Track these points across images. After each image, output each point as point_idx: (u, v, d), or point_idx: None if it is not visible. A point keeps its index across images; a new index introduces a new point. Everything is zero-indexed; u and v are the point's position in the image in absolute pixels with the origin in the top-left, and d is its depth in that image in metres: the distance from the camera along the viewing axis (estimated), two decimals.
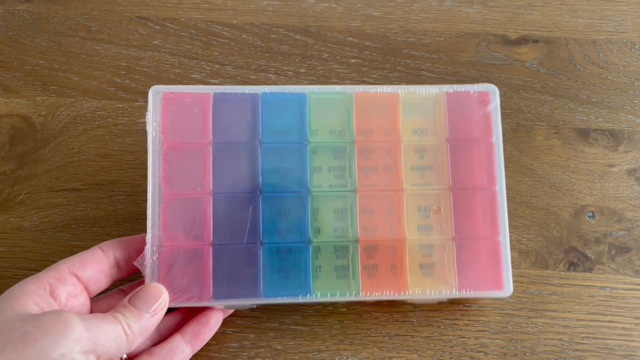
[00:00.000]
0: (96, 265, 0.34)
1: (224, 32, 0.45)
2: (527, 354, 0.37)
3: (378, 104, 0.40)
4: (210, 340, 0.37)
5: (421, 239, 0.39)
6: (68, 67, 0.44)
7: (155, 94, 0.38)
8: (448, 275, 0.38)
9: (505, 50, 0.44)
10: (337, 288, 0.38)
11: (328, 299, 0.38)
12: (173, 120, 0.38)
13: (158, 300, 0.35)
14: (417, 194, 0.39)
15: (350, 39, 0.45)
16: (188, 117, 0.38)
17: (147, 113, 0.38)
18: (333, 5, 0.44)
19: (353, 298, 0.38)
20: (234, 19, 0.45)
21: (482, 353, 0.37)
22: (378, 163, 0.39)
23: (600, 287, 0.38)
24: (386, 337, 0.37)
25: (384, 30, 0.44)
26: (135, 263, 0.37)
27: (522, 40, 0.43)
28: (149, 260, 0.36)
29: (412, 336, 0.37)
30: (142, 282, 0.36)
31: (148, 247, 0.37)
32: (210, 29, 0.44)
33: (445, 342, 0.37)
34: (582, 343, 0.37)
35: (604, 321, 0.37)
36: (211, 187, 0.38)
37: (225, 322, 0.37)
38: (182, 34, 0.45)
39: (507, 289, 0.38)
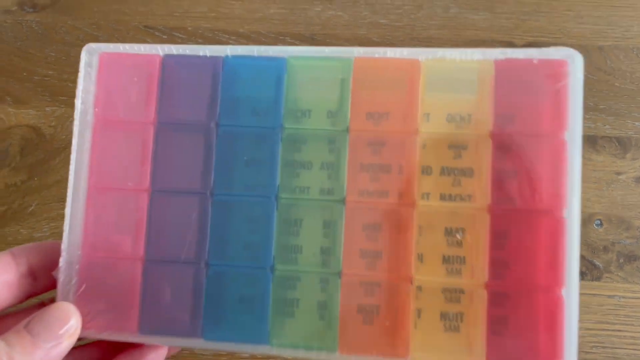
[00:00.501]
0: None
1: (231, 41, 0.43)
2: None
3: (388, 75, 0.27)
4: (220, 350, 0.33)
5: (443, 280, 0.25)
6: (77, 78, 0.41)
7: (90, 54, 0.28)
8: (473, 339, 0.25)
9: None
10: (309, 338, 0.26)
11: (288, 353, 0.26)
12: (109, 90, 0.28)
13: (64, 325, 0.26)
14: (443, 215, 0.26)
15: None
16: (128, 87, 0.28)
17: (78, 80, 0.28)
18: (339, 13, 0.43)
19: (324, 357, 0.26)
20: (241, 27, 0.44)
21: None
22: (388, 159, 0.27)
23: (609, 296, 0.37)
24: None
25: (390, 37, 0.43)
26: (53, 274, 0.28)
27: (528, 47, 0.40)
28: (62, 272, 0.27)
29: None
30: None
31: (64, 255, 0.28)
32: (217, 37, 0.43)
33: None
34: (591, 352, 0.36)
35: (612, 330, 0.37)
36: (149, 181, 0.28)
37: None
38: (190, 43, 0.43)
39: None
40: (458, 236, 0.25)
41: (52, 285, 0.28)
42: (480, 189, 0.25)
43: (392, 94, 0.26)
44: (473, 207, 0.25)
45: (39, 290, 0.28)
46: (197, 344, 0.26)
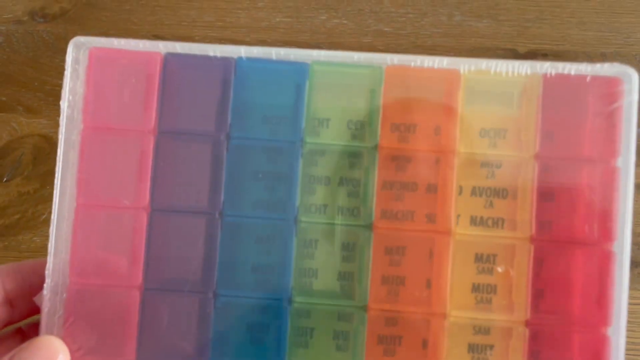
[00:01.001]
0: None
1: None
2: None
3: (424, 85, 0.24)
4: None
5: (473, 316, 0.23)
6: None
7: (78, 49, 0.24)
8: None
9: None
10: None
11: None
12: (100, 92, 0.24)
13: None
14: (474, 241, 0.23)
15: None
16: (123, 89, 0.24)
17: (64, 79, 0.24)
18: (344, 22, 0.43)
19: None
20: (247, 36, 0.43)
21: None
22: (417, 178, 0.24)
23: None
24: None
25: (394, 45, 0.43)
26: (35, 300, 0.24)
27: (531, 54, 0.43)
28: (47, 301, 0.24)
29: None
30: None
31: (47, 282, 0.24)
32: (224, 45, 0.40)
33: None
34: None
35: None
36: (148, 199, 0.24)
37: None
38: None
39: None
40: (499, 269, 0.22)
41: (32, 311, 0.25)
42: (522, 216, 0.22)
43: (426, 107, 0.23)
44: (513, 236, 0.22)
45: (17, 318, 0.25)
46: None
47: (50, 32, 0.43)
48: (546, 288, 0.22)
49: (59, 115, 0.35)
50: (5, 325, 0.25)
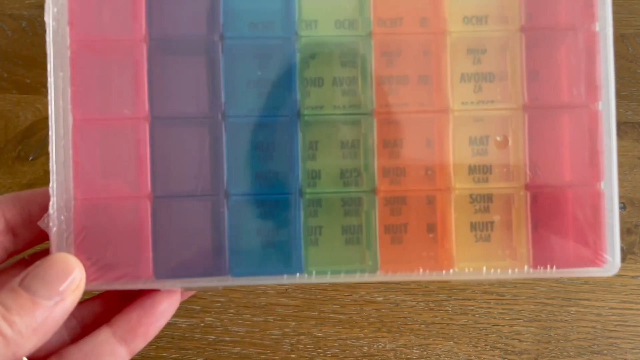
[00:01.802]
0: None
1: None
2: (561, 341, 0.37)
3: None
4: (253, 327, 0.36)
5: (475, 187, 0.24)
6: None
7: None
8: (517, 243, 0.24)
9: None
10: (344, 262, 0.24)
11: (328, 279, 0.24)
12: (85, 3, 0.23)
13: (66, 279, 0.22)
14: (471, 116, 0.24)
15: None
16: None
17: None
18: None
19: (367, 279, 0.24)
20: None
21: (517, 340, 0.37)
22: (408, 70, 0.24)
23: (632, 277, 0.38)
24: (422, 325, 0.37)
25: None
26: (39, 224, 0.23)
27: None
28: (54, 220, 0.23)
29: (447, 324, 0.37)
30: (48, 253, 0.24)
31: (53, 200, 0.23)
32: None
33: (480, 330, 0.37)
34: (615, 330, 0.37)
35: (636, 309, 0.37)
36: (147, 108, 0.24)
37: (266, 310, 0.37)
38: None
39: (610, 264, 0.23)
40: (498, 138, 0.23)
41: (35, 240, 0.24)
42: (514, 89, 0.23)
43: None
44: (508, 107, 0.23)
45: (21, 247, 0.24)
46: (223, 282, 0.23)
47: None
48: (542, 153, 0.23)
49: None
50: (10, 255, 0.24)
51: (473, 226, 0.24)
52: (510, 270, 0.23)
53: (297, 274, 0.23)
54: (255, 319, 0.37)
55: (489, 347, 0.36)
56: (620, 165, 0.39)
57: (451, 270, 0.23)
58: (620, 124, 0.40)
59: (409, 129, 0.24)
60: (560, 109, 0.23)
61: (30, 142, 0.40)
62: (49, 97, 0.23)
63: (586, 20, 0.23)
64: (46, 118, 0.41)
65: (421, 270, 0.23)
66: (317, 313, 0.37)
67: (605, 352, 0.37)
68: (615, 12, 0.43)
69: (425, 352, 0.37)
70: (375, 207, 0.23)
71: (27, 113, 0.41)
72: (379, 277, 0.23)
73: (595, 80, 0.23)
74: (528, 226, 0.23)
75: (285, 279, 0.23)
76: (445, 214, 0.23)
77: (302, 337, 0.37)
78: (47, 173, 0.39)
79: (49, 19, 0.22)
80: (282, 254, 0.23)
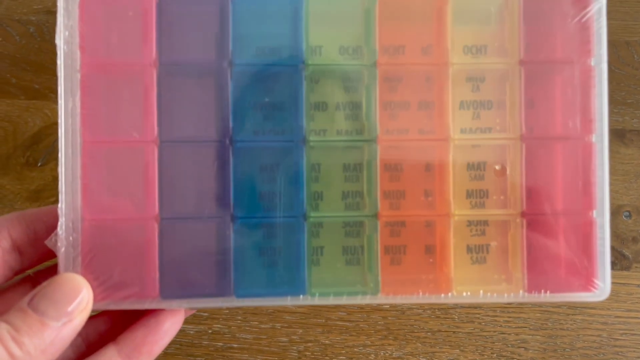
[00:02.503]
0: None
1: None
2: (567, 349, 0.37)
3: (414, 7, 0.25)
4: (260, 334, 0.36)
5: (472, 212, 0.25)
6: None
7: None
8: (513, 268, 0.25)
9: None
10: (346, 283, 0.24)
11: (331, 301, 0.25)
12: (96, 28, 0.24)
13: (74, 300, 0.22)
14: (469, 144, 0.25)
15: None
16: (120, 23, 0.24)
17: (57, 16, 0.24)
18: None
19: (369, 301, 0.25)
20: None
21: (523, 349, 0.37)
22: (411, 97, 0.25)
23: (638, 285, 0.38)
24: (429, 333, 0.37)
25: None
26: (47, 243, 0.24)
27: None
28: (62, 240, 0.23)
29: (454, 332, 0.37)
30: (55, 272, 0.24)
31: (62, 221, 0.23)
32: None
33: (487, 338, 0.37)
34: (620, 339, 0.37)
35: None
36: (156, 132, 0.24)
37: (274, 317, 0.37)
38: None
39: (601, 289, 0.24)
40: (496, 167, 0.24)
41: (41, 258, 0.24)
42: (512, 118, 0.24)
43: (417, 26, 0.24)
44: (506, 137, 0.24)
45: (26, 265, 0.24)
46: (227, 302, 0.23)
47: None
48: (539, 181, 0.24)
49: None
50: (16, 273, 0.24)
51: (469, 249, 0.25)
52: (505, 295, 0.24)
53: (301, 296, 0.23)
54: (262, 325, 0.37)
55: (495, 355, 0.37)
56: (626, 173, 0.40)
57: (449, 294, 0.24)
58: (626, 132, 0.40)
59: (410, 154, 0.24)
60: (555, 140, 0.24)
61: (38, 147, 0.40)
62: (59, 120, 0.23)
63: (582, 55, 0.24)
64: (55, 124, 0.41)
65: (421, 293, 0.24)
66: (324, 320, 0.38)
67: None
68: (621, 19, 0.43)
69: None
70: (377, 231, 0.24)
71: (35, 119, 0.41)
72: (381, 299, 0.24)
73: (589, 114, 0.23)
74: (523, 252, 0.24)
75: (289, 301, 0.23)
76: (444, 239, 0.24)
77: (309, 344, 0.37)
78: (55, 179, 0.40)
79: (60, 42, 0.23)
80: (285, 276, 0.24)
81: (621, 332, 0.37)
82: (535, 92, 0.24)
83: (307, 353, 0.37)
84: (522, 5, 0.24)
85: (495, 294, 0.24)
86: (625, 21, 0.42)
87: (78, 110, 0.23)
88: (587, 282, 0.24)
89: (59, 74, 0.23)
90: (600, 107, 0.24)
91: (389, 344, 0.37)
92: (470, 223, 0.24)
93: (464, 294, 0.24)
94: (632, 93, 0.41)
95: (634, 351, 0.37)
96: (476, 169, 0.25)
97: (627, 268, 0.39)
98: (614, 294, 0.38)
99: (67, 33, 0.23)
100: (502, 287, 0.24)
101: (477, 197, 0.24)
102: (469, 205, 0.24)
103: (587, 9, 0.24)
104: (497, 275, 0.24)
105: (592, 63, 0.24)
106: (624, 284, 0.39)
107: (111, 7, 0.23)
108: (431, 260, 0.24)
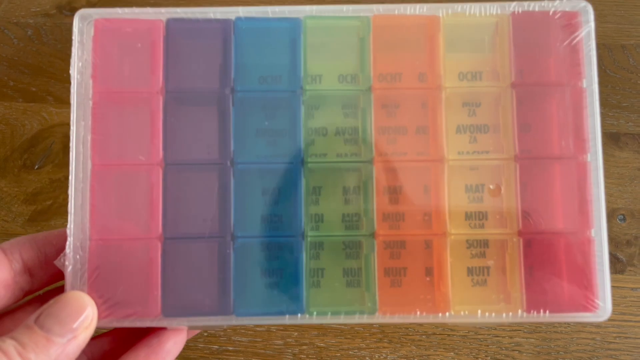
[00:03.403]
0: None
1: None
2: (561, 352, 0.36)
3: (408, 33, 0.26)
4: (256, 337, 0.36)
5: (471, 233, 0.25)
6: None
7: (83, 21, 0.25)
8: (511, 287, 0.24)
9: None
10: (344, 303, 0.25)
11: (328, 320, 0.25)
12: (108, 59, 0.25)
13: (79, 317, 0.22)
14: (466, 165, 0.25)
15: None
16: (129, 55, 0.25)
17: (72, 49, 0.25)
18: None
19: (366, 320, 0.25)
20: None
21: (517, 352, 0.36)
22: (407, 122, 0.25)
23: (632, 289, 0.37)
24: (423, 336, 0.37)
25: None
26: (56, 263, 0.24)
27: None
28: (70, 259, 0.24)
29: (448, 335, 0.37)
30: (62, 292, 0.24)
31: (70, 241, 0.24)
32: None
33: (481, 341, 0.37)
34: (614, 342, 0.36)
35: (635, 321, 0.37)
36: (161, 155, 0.25)
37: None
38: None
39: (602, 309, 0.24)
40: (491, 187, 0.24)
41: (50, 280, 0.25)
42: (506, 140, 0.24)
43: (411, 52, 0.25)
44: (500, 157, 0.24)
45: (36, 287, 0.25)
46: (227, 321, 0.24)
47: None
48: (534, 201, 0.24)
49: None
50: (26, 294, 0.25)
51: (470, 271, 0.25)
52: (504, 314, 0.23)
53: (299, 315, 0.24)
54: (258, 328, 0.36)
55: (489, 358, 0.36)
56: (621, 176, 0.40)
57: (447, 314, 0.24)
58: (620, 135, 0.40)
59: (407, 177, 0.25)
60: (550, 160, 0.24)
61: (36, 150, 0.40)
62: (71, 144, 0.24)
63: (573, 77, 0.24)
64: (52, 126, 0.42)
65: (418, 312, 0.24)
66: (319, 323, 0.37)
67: None
68: (617, 23, 0.43)
69: None
70: (374, 250, 0.24)
71: (33, 122, 0.41)
72: (378, 318, 0.24)
73: (583, 134, 0.24)
74: (521, 271, 0.24)
75: (287, 320, 0.24)
76: (442, 258, 0.24)
77: (304, 347, 0.37)
78: (52, 182, 0.40)
79: (74, 72, 0.24)
80: (284, 295, 0.24)
81: (615, 335, 0.37)
82: (529, 114, 0.24)
83: (302, 356, 0.36)
84: (512, 32, 0.24)
85: (493, 314, 0.23)
86: (621, 25, 0.42)
87: (89, 135, 0.24)
88: (587, 302, 0.23)
89: (72, 102, 0.24)
90: (594, 127, 0.24)
91: (384, 347, 0.37)
92: (470, 245, 0.24)
93: (462, 313, 0.23)
94: (627, 96, 0.41)
95: (628, 354, 0.36)
96: (474, 191, 0.25)
97: (621, 271, 0.38)
98: None
99: (80, 64, 0.24)
100: (501, 307, 0.24)
101: (476, 219, 0.25)
102: (468, 226, 0.24)
103: (576, 33, 0.24)
104: (496, 295, 0.24)
105: (584, 85, 0.24)
106: (617, 287, 0.38)
107: (122, 39, 0.24)
108: (428, 279, 0.24)
